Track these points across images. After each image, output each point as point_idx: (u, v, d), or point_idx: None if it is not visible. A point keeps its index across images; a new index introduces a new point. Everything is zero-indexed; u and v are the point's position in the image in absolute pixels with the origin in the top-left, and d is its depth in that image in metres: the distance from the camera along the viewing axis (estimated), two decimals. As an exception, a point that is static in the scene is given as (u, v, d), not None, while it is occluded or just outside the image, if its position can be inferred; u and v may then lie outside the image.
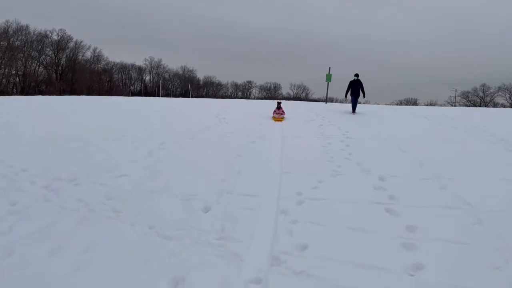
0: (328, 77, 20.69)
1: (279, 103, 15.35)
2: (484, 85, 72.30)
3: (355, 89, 16.32)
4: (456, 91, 74.53)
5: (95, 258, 4.31)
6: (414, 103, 71.78)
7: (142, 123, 13.49)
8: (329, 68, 20.70)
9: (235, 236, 5.01)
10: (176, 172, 7.83)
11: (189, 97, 29.69)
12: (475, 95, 71.91)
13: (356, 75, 16.34)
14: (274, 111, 14.92)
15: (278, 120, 14.09)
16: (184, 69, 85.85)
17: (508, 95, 68.35)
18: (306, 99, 73.76)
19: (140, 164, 8.38)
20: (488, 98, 70.57)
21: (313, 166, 8.35)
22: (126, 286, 3.75)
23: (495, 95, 70.38)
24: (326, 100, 22.33)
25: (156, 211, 5.81)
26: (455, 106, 46.63)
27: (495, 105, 63.58)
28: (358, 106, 17.64)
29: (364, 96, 16.42)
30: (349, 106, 18.40)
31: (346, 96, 16.66)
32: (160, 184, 7.08)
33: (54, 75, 69.32)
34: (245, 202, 6.22)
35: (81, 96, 24.96)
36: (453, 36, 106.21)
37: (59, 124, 13.37)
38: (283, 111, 14.83)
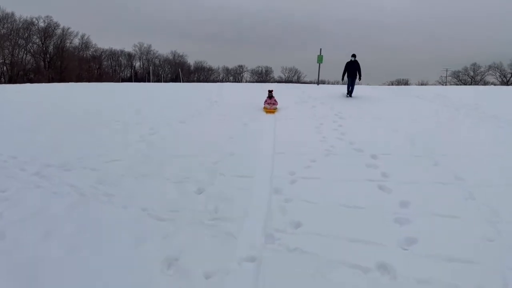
0: (320, 58, 20.55)
1: (270, 92, 13.10)
2: (474, 64, 72.48)
3: (352, 71, 15.26)
4: (447, 71, 74.40)
5: (87, 241, 4.27)
6: (406, 83, 71.80)
7: (132, 109, 13.32)
8: (320, 49, 20.55)
9: (229, 216, 4.99)
10: (168, 156, 7.77)
11: (180, 82, 29.39)
12: (465, 75, 72.17)
13: (353, 55, 15.27)
14: (265, 101, 12.97)
15: (270, 112, 12.27)
16: (174, 55, 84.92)
17: (499, 74, 68.68)
18: (298, 82, 73.45)
19: (131, 148, 8.30)
20: (478, 77, 70.83)
21: (306, 146, 8.32)
22: (119, 268, 3.72)
23: (486, 74, 70.68)
24: (318, 82, 22.23)
25: (148, 194, 5.77)
26: (446, 85, 46.67)
27: (485, 83, 63.79)
28: (355, 89, 16.38)
29: (360, 78, 15.43)
30: (342, 87, 18.22)
31: (343, 79, 15.63)
32: (152, 167, 7.02)
33: (42, 63, 68.16)
34: (238, 183, 6.20)
35: (70, 83, 24.58)
36: (445, 16, 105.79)
37: (49, 111, 13.18)
38: (275, 101, 12.85)
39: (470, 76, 71.59)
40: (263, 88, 16.64)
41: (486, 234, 4.38)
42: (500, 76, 68.32)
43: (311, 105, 13.66)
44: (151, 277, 3.54)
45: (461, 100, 14.93)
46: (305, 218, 4.88)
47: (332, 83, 31.54)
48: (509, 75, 67.23)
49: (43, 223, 4.72)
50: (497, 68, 68.78)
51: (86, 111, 12.96)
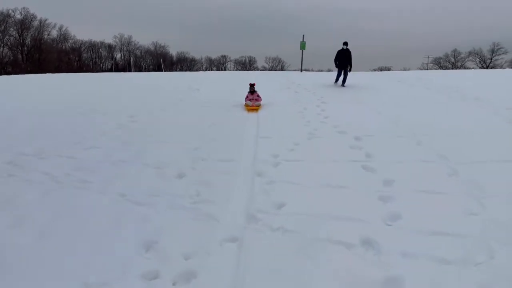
0: (302, 45, 20.41)
1: (252, 86, 11.25)
2: (455, 50, 73.48)
3: (344, 59, 14.18)
4: (428, 57, 75.18)
5: (61, 226, 4.08)
6: (388, 70, 72.30)
7: (111, 97, 13.00)
8: (303, 35, 20.40)
9: (211, 199, 4.85)
10: (148, 142, 7.56)
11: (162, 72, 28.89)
12: (446, 61, 73.09)
13: (345, 43, 14.10)
14: (247, 96, 11.03)
15: (253, 110, 10.35)
16: (156, 45, 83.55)
17: (478, 59, 69.78)
18: (282, 70, 73.27)
19: (110, 135, 8.06)
20: (459, 64, 71.79)
21: (289, 130, 8.22)
22: (95, 252, 3.55)
23: (466, 60, 71.78)
24: (301, 69, 22.12)
25: (127, 180, 5.58)
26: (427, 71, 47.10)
27: (465, 69, 64.78)
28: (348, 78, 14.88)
29: (350, 69, 14.37)
30: (326, 74, 18.15)
31: (336, 66, 14.50)
32: (131, 154, 6.81)
33: (19, 56, 66.37)
34: (220, 167, 6.05)
35: (47, 74, 23.90)
36: (427, 3, 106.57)
37: (24, 101, 12.77)
38: (258, 96, 10.97)
39: (451, 63, 72.53)
40: (246, 77, 16.43)
41: (470, 208, 4.34)
42: (480, 62, 69.42)
43: (294, 91, 13.55)
44: (128, 260, 3.38)
45: (442, 83, 15.01)
46: (288, 198, 4.77)
47: (316, 71, 31.35)
48: (488, 61, 68.36)
49: (14, 211, 4.50)
50: (477, 54, 69.90)
51: (63, 100, 12.59)
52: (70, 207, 4.61)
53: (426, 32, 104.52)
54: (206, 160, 6.44)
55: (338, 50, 14.32)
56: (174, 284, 3.06)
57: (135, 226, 4.09)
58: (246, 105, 10.72)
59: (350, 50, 14.19)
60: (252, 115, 9.91)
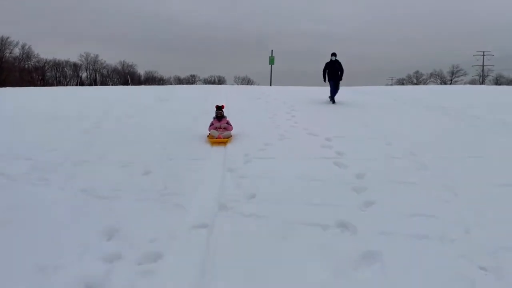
0: (271, 60, 20.66)
1: (220, 110, 8.12)
2: (417, 72, 76.84)
3: (333, 72, 12.73)
4: (392, 79, 78.21)
5: (17, 217, 3.73)
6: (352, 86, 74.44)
7: (75, 108, 12.53)
8: (272, 50, 20.70)
9: (179, 192, 4.63)
10: (113, 144, 7.25)
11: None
12: (409, 82, 75.97)
13: (333, 54, 12.80)
14: (212, 124, 7.91)
15: (221, 143, 7.24)
16: (123, 64, 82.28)
17: (439, 81, 73.06)
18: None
19: (73, 140, 7.65)
20: (421, 84, 74.89)
21: (260, 133, 8.12)
22: (52, 239, 3.24)
23: (428, 80, 74.97)
24: (271, 83, 22.31)
25: (89, 177, 5.27)
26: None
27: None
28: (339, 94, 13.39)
29: (341, 79, 12.97)
30: (296, 89, 18.15)
31: (325, 80, 13.03)
32: (95, 154, 6.49)
33: (-22, 74, 63.68)
34: (189, 165, 5.85)
35: (8, 88, 22.90)
36: (390, 24, 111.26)
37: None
38: (228, 124, 7.95)
39: (413, 83, 75.48)
40: (214, 92, 16.23)
41: (443, 195, 4.35)
42: (441, 83, 72.59)
43: (264, 101, 13.54)
44: (87, 245, 3.10)
45: (408, 95, 15.48)
46: (260, 190, 4.62)
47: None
48: (449, 82, 71.64)
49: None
50: (438, 75, 73.33)
51: (24, 110, 12.01)
52: (26, 201, 4.27)
53: (388, 56, 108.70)
54: (174, 159, 6.21)
55: (326, 63, 12.97)
56: (139, 264, 2.81)
57: (97, 216, 3.82)
58: (210, 136, 7.45)
59: (340, 61, 12.91)
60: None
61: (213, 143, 7.24)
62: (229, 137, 7.48)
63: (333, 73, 12.76)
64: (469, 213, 3.73)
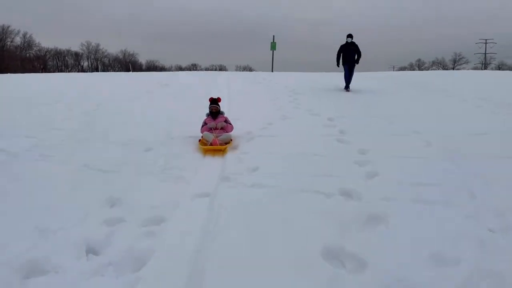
0: (273, 46, 20.48)
1: (214, 104, 6.07)
2: (419, 60, 76.48)
3: (349, 55, 11.57)
4: (394, 67, 77.64)
5: (20, 187, 3.73)
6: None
7: (76, 91, 12.47)
8: (273, 36, 20.50)
9: (181, 167, 4.60)
10: (114, 125, 7.21)
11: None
12: (411, 70, 75.54)
13: (349, 36, 11.64)
14: (205, 123, 5.93)
15: (217, 151, 5.32)
16: (124, 53, 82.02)
17: (441, 68, 72.51)
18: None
19: (75, 121, 7.62)
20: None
21: (262, 113, 8.06)
22: (54, 207, 3.22)
23: (430, 68, 74.50)
24: (272, 69, 22.15)
25: (91, 153, 5.24)
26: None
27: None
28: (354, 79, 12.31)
29: (357, 62, 11.71)
30: (297, 76, 17.97)
31: (338, 65, 11.85)
32: (96, 133, 6.48)
33: (-20, 63, 63.51)
34: (190, 143, 5.81)
35: (9, 74, 22.81)
36: (391, 14, 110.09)
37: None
38: (226, 122, 5.99)
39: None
40: (214, 79, 16.10)
41: (447, 167, 4.30)
42: (442, 70, 72.22)
43: (265, 85, 13.45)
44: (90, 211, 3.08)
45: (410, 79, 15.35)
46: (263, 164, 4.58)
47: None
48: (450, 69, 71.17)
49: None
50: (440, 63, 72.85)
51: (26, 94, 11.96)
52: (28, 174, 4.25)
53: (390, 44, 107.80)
54: (176, 138, 6.17)
55: (340, 45, 11.78)
56: (142, 226, 2.80)
57: (99, 187, 3.79)
58: (201, 142, 5.52)
59: (357, 44, 11.65)
60: (223, 98, 7.40)
61: (206, 152, 5.11)
62: (228, 141, 5.41)
63: (349, 56, 11.59)
64: (474, 182, 3.69)
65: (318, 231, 2.56)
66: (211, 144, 5.25)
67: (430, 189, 3.46)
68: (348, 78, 11.78)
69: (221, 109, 6.12)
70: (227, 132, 5.67)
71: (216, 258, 2.27)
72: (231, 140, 5.58)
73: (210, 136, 5.40)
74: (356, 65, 11.80)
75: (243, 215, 2.95)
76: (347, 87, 11.83)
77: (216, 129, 5.66)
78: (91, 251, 2.52)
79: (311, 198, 3.29)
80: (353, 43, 11.59)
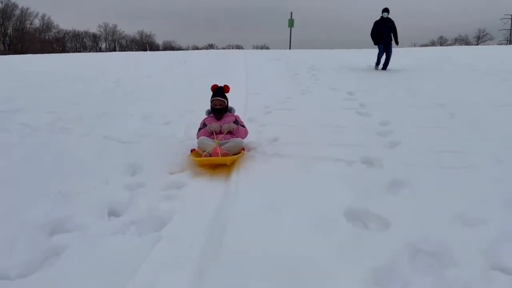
0: (291, 22, 20.12)
1: (219, 93, 4.09)
2: (441, 37, 74.17)
3: (384, 33, 10.29)
4: (414, 45, 75.55)
5: (42, 156, 3.77)
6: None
7: (96, 70, 12.57)
8: (291, 13, 20.12)
9: (200, 138, 4.59)
10: (133, 100, 7.24)
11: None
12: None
13: (385, 10, 10.32)
14: (203, 124, 4.14)
15: (216, 163, 3.47)
16: (141, 34, 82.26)
17: (464, 45, 70.27)
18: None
19: (94, 97, 7.70)
20: (446, 51, 72.33)
21: (281, 88, 7.97)
22: (76, 173, 3.25)
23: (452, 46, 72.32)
24: (290, 46, 21.83)
25: (110, 126, 5.28)
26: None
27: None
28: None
29: (397, 42, 10.56)
30: (318, 53, 17.63)
31: (375, 43, 10.63)
32: (116, 108, 6.51)
33: (2, 46, 64.62)
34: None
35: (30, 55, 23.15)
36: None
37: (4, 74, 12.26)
38: (236, 123, 4.01)
39: (437, 49, 73.01)
40: (232, 53, 15.99)
41: (472, 137, 4.15)
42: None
43: (284, 62, 13.27)
44: (110, 177, 3.11)
45: (432, 54, 14.93)
46: (282, 135, 4.52)
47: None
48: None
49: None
50: (463, 40, 70.54)
51: (47, 72, 12.12)
52: (52, 145, 4.32)
53: (411, 21, 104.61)
54: (194, 112, 6.15)
55: (375, 21, 10.55)
56: (162, 190, 2.81)
57: (120, 156, 3.81)
58: (194, 153, 3.77)
59: (393, 20, 10.41)
60: (241, 73, 8.40)
61: (201, 164, 3.46)
62: (238, 152, 3.61)
63: (384, 34, 10.29)
64: (501, 150, 3.55)
65: (340, 195, 2.51)
66: (210, 156, 3.41)
67: (455, 156, 3.35)
68: (381, 57, 10.61)
69: (230, 104, 4.28)
70: (236, 138, 3.75)
71: (237, 218, 2.25)
72: (243, 149, 3.69)
73: (210, 145, 3.52)
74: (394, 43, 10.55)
75: (265, 181, 2.92)
76: (383, 66, 10.64)
77: (220, 134, 3.78)
78: (113, 213, 2.54)
79: (332, 166, 3.23)
80: (389, 19, 10.30)
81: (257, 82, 8.72)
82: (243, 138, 3.89)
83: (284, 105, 6.35)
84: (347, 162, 3.30)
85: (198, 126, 4.17)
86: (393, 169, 3.04)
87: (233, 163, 3.41)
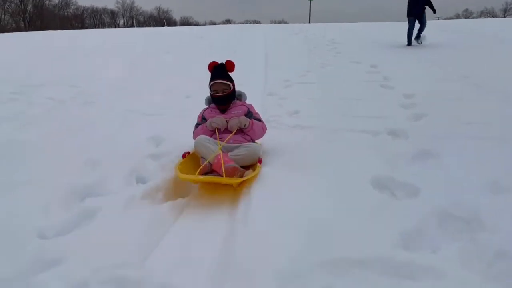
0: (310, -5, 19.63)
1: (219, 75, 2.89)
2: (466, 10, 71.41)
3: (416, 5, 9.47)
4: (438, 18, 73.06)
5: (67, 129, 3.85)
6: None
7: (115, 45, 12.62)
8: (311, -15, 19.56)
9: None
10: (154, 74, 7.31)
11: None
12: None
13: None
14: (202, 117, 3.01)
15: (218, 184, 2.45)
16: (159, 10, 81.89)
17: (490, 17, 67.56)
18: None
19: (114, 71, 7.73)
20: (471, 23, 69.70)
21: (301, 62, 7.88)
22: (104, 143, 3.32)
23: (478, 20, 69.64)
24: (310, 19, 21.37)
25: (133, 100, 5.33)
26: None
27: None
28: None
29: (434, 11, 9.62)
30: (337, 26, 17.26)
31: (408, 15, 9.73)
32: (137, 82, 6.60)
33: (22, 23, 65.30)
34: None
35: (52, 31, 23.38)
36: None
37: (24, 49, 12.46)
38: (249, 114, 2.96)
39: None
40: (250, 28, 15.77)
41: (502, 107, 4.01)
42: (493, 21, 67.46)
43: (303, 36, 13.05)
44: (137, 146, 3.17)
45: (459, 27, 14.43)
46: (303, 108, 4.50)
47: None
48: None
49: (21, 120, 4.27)
50: (489, 13, 67.81)
51: (68, 47, 12.26)
52: (77, 117, 4.41)
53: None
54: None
55: None
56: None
57: (144, 127, 3.87)
58: (181, 165, 2.53)
59: None
60: (260, 48, 8.72)
61: (196, 181, 2.46)
62: (254, 163, 2.65)
63: (415, 6, 9.45)
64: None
65: (366, 164, 2.49)
66: (211, 168, 2.47)
67: (484, 127, 3.27)
68: (411, 32, 9.76)
69: (241, 87, 3.26)
70: (252, 138, 2.83)
71: (261, 186, 2.27)
72: (260, 159, 2.65)
73: (211, 148, 2.54)
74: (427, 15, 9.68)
75: (288, 151, 2.92)
76: (417, 38, 9.86)
77: (226, 133, 2.77)
78: (140, 180, 2.61)
79: (356, 137, 3.21)
80: None
81: (276, 56, 8.63)
82: (259, 137, 2.90)
83: (304, 78, 6.29)
84: (372, 133, 3.27)
85: (196, 121, 3.02)
86: (419, 140, 2.99)
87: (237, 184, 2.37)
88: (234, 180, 2.26)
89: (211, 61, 2.93)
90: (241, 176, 2.35)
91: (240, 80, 6.12)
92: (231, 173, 2.33)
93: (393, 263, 1.51)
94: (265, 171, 2.45)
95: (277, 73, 6.87)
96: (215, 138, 2.68)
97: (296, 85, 5.85)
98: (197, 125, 2.97)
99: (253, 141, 2.85)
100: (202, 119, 2.99)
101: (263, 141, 3.11)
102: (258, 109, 3.32)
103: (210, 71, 2.95)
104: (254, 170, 2.46)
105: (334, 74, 6.58)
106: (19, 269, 1.57)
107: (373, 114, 3.98)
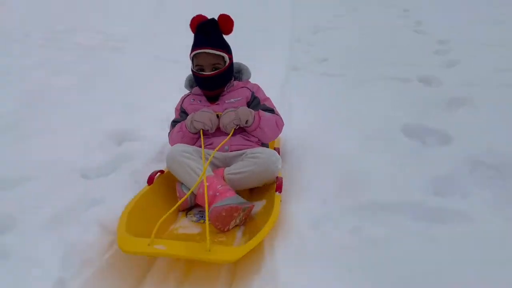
0: None
1: (202, 30, 1.87)
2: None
3: None
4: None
5: (101, 74, 3.91)
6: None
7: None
8: None
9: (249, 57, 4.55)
10: (179, 20, 6.98)
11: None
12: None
13: None
14: (179, 112, 2.07)
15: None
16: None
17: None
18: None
19: (142, 16, 7.62)
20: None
21: (329, 5, 7.54)
22: (138, 90, 3.39)
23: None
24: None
25: (161, 46, 5.32)
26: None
27: None
28: None
29: None
30: None
31: None
32: (164, 27, 6.51)
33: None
34: (256, 37, 5.60)
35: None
36: None
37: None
38: (256, 104, 1.94)
39: None
40: None
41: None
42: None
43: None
44: (168, 95, 3.21)
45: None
46: (332, 55, 4.41)
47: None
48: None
49: (54, 67, 4.33)
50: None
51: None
52: (108, 64, 4.44)
53: None
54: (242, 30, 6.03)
55: None
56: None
57: (174, 74, 3.79)
58: (119, 228, 1.40)
59: None
60: (282, 22, 8.64)
61: (151, 255, 1.40)
62: (268, 182, 1.77)
63: None
64: None
65: (397, 111, 2.47)
66: (195, 202, 1.72)
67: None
68: None
69: (237, 62, 2.16)
70: (261, 140, 1.94)
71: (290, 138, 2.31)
72: (280, 180, 1.70)
73: (193, 169, 1.67)
74: None
75: (317, 98, 2.92)
76: None
77: (217, 135, 1.89)
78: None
79: (387, 84, 3.16)
80: None
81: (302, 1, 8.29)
82: (271, 139, 1.98)
83: (333, 24, 6.10)
84: (403, 80, 3.21)
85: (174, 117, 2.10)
86: (452, 87, 2.92)
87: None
88: (227, 254, 1.24)
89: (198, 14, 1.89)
90: (246, 218, 1.56)
91: (267, 26, 6.04)
92: (223, 221, 1.47)
93: (423, 208, 1.54)
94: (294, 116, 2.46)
95: (305, 18, 6.66)
96: (201, 147, 1.70)
97: (324, 31, 5.72)
98: (173, 123, 2.00)
99: (263, 144, 1.92)
100: (181, 113, 2.01)
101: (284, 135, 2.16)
102: (285, 57, 3.36)
103: (192, 28, 1.93)
104: (271, 203, 1.54)
105: (366, 19, 6.33)
106: (70, 206, 1.69)
107: (405, 61, 3.90)
